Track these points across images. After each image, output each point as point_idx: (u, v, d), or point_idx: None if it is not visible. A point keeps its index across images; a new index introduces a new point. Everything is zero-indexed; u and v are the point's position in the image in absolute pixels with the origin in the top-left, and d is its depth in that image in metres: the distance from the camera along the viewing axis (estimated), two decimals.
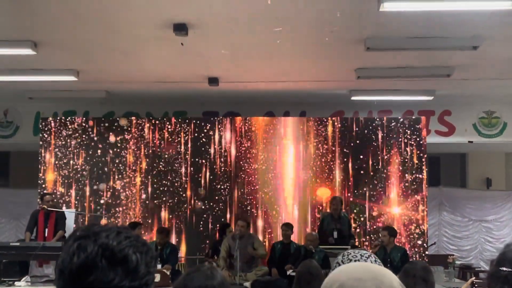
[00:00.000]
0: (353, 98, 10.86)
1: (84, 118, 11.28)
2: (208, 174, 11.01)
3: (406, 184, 10.85)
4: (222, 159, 11.03)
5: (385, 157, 10.92)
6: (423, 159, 10.90)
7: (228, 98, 11.32)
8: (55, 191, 10.88)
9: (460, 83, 9.97)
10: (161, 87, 10.40)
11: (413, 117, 11.18)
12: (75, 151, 11.04)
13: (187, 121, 11.11)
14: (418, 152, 10.89)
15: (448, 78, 9.19)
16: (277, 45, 7.91)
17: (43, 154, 11.03)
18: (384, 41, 7.56)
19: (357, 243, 10.21)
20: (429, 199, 11.41)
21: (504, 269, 2.00)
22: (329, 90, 10.80)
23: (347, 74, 9.38)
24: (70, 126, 11.07)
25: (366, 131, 11.00)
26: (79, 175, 10.99)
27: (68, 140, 11.04)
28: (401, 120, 11.05)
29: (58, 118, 11.33)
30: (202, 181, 10.98)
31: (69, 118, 11.33)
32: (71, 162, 11.00)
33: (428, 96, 10.82)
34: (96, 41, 7.79)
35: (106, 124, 11.12)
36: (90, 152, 11.03)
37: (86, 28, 7.22)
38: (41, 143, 11.06)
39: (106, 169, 11.01)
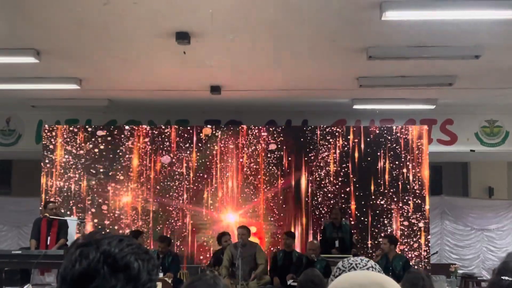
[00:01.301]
0: (355, 106, 10.86)
1: (87, 127, 11.28)
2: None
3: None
4: (224, 172, 10.99)
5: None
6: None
7: (230, 107, 11.32)
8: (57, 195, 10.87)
9: (462, 92, 9.97)
10: (163, 96, 10.41)
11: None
12: (77, 163, 11.03)
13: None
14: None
15: (450, 87, 9.19)
16: (279, 53, 7.93)
17: (45, 167, 11.01)
18: (386, 50, 7.56)
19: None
20: (431, 208, 11.39)
21: (506, 278, 1.99)
22: (331, 98, 10.79)
23: (349, 83, 9.38)
24: (72, 139, 11.06)
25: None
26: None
27: (71, 152, 11.03)
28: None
29: (59, 126, 11.31)
30: (205, 195, 10.95)
31: (72, 126, 11.34)
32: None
33: (430, 105, 10.82)
34: (99, 49, 7.80)
35: (108, 136, 11.13)
36: (93, 166, 11.00)
37: (89, 37, 7.24)
38: (43, 152, 11.06)
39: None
